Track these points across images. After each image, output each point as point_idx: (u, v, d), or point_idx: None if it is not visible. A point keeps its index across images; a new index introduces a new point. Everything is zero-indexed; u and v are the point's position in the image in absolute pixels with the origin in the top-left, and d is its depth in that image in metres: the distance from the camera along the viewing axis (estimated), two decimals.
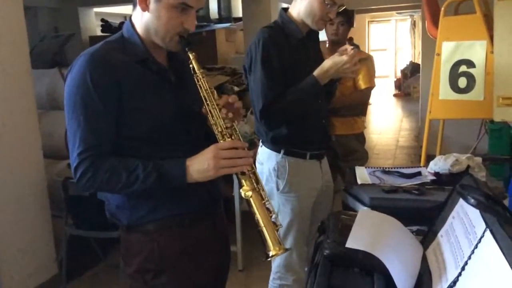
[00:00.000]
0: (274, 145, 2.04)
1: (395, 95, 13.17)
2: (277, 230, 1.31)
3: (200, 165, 1.30)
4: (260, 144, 2.13)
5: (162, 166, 1.31)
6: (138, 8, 1.38)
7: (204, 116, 1.42)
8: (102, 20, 7.11)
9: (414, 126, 8.33)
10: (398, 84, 13.50)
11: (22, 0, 2.99)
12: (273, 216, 1.33)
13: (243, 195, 1.31)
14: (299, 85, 1.90)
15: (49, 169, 3.44)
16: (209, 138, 1.42)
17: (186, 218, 1.45)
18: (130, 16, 1.45)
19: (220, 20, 8.25)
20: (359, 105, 3.46)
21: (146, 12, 1.36)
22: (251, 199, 1.30)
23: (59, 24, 7.03)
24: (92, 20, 7.46)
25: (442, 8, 2.61)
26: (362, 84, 3.34)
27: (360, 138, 3.48)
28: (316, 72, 1.89)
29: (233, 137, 1.37)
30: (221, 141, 1.34)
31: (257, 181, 1.36)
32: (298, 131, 1.99)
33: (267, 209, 1.32)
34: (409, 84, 12.52)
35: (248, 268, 3.35)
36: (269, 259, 1.29)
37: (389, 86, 14.44)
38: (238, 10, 8.46)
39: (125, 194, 1.40)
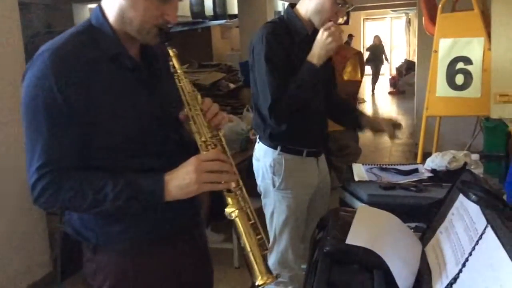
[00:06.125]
0: (271, 142, 2.02)
1: (390, 93, 13.20)
2: (265, 254, 1.19)
3: (180, 180, 1.15)
4: (257, 140, 2.12)
5: (136, 183, 1.15)
6: None
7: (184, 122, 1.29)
8: None
9: (409, 124, 8.33)
10: (393, 82, 13.53)
11: None
12: (261, 238, 1.19)
13: (227, 215, 1.16)
14: (297, 75, 1.88)
15: None
16: (189, 149, 1.26)
17: (162, 234, 1.29)
18: (100, 2, 1.25)
19: (215, 17, 8.23)
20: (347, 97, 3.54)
21: None
22: (236, 219, 1.16)
23: (53, 21, 6.99)
24: (86, 16, 7.41)
25: (440, 5, 2.60)
26: (345, 77, 3.43)
27: (352, 134, 3.53)
28: (308, 58, 1.88)
29: (217, 148, 1.21)
30: (203, 152, 1.19)
31: (244, 199, 1.20)
32: (296, 128, 1.98)
33: (254, 230, 1.19)
34: (403, 81, 12.55)
35: (244, 266, 3.32)
36: None
37: (384, 84, 14.46)
38: (233, 7, 8.45)
39: None
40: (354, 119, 2.18)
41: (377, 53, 13.63)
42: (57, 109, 1.12)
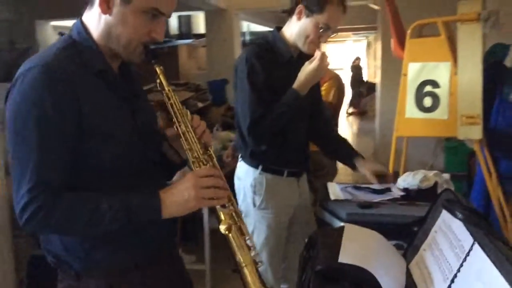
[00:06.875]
0: (253, 161, 2.04)
1: (351, 113, 13.46)
2: (258, 268, 1.20)
3: (179, 196, 1.15)
4: (240, 159, 2.13)
5: (131, 201, 1.14)
6: (95, 8, 1.17)
7: (162, 139, 1.32)
8: (60, 33, 6.95)
9: (370, 144, 8.52)
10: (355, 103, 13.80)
11: None
12: (253, 252, 1.21)
13: (222, 231, 1.17)
14: (281, 100, 1.91)
15: (10, 187, 3.29)
16: (169, 167, 1.31)
17: (145, 256, 1.28)
18: (80, 17, 1.23)
19: (181, 36, 8.24)
20: None
21: (107, 15, 1.16)
22: (230, 235, 1.16)
23: (15, 37, 6.82)
24: (49, 34, 7.29)
25: (408, 31, 2.70)
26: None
27: None
28: (294, 85, 1.91)
29: (209, 165, 1.23)
30: (196, 169, 1.21)
31: (237, 214, 1.23)
32: (277, 148, 2.00)
33: (247, 245, 1.20)
34: (365, 102, 12.85)
35: (216, 287, 3.31)
36: None
37: (345, 105, 14.72)
38: (198, 26, 8.48)
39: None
40: (349, 159, 2.21)
41: (358, 75, 13.52)
42: (50, 126, 1.09)
